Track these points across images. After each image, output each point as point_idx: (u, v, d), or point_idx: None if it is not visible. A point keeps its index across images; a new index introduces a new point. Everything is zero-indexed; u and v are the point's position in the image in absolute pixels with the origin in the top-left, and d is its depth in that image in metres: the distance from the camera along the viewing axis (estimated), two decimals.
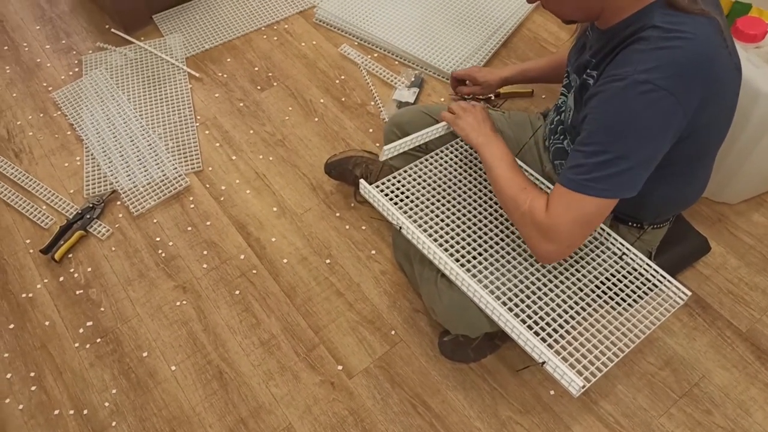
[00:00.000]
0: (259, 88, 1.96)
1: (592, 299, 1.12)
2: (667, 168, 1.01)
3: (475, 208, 1.24)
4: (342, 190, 1.69)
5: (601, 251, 1.18)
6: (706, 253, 1.50)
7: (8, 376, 1.40)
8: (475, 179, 1.30)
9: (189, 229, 1.63)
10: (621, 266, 1.17)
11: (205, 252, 1.58)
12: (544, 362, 1.00)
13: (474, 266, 1.14)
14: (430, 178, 1.29)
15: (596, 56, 1.04)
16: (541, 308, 1.09)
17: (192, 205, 1.68)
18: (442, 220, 1.21)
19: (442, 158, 1.33)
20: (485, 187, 1.28)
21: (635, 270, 1.16)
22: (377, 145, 1.78)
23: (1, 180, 1.75)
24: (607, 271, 1.16)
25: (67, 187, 1.73)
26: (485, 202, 1.25)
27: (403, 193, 1.26)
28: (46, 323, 1.48)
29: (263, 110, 1.90)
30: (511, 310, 1.07)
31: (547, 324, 1.07)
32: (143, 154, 1.76)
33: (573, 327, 1.08)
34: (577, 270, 1.15)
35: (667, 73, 0.89)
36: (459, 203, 1.25)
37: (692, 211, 1.57)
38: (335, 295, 1.50)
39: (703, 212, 1.60)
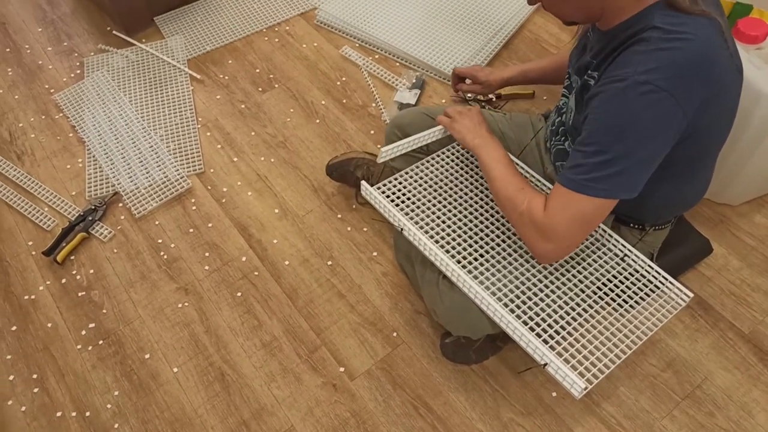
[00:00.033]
0: (260, 89, 1.96)
1: (594, 301, 1.12)
2: (668, 169, 1.01)
3: (476, 210, 1.24)
4: (343, 191, 1.69)
5: (603, 253, 1.18)
6: (708, 255, 1.50)
7: (11, 378, 1.40)
8: (477, 180, 1.29)
9: (191, 230, 1.63)
10: (623, 268, 1.17)
11: (206, 254, 1.59)
12: (546, 364, 1.00)
13: (476, 268, 1.14)
14: (431, 179, 1.29)
15: (597, 57, 1.04)
16: (542, 310, 1.09)
17: (194, 207, 1.68)
18: (444, 222, 1.21)
19: (443, 160, 1.33)
20: (486, 189, 1.28)
21: (637, 271, 1.16)
22: (378, 146, 1.78)
23: (4, 182, 1.75)
24: (609, 272, 1.16)
25: (69, 189, 1.73)
26: (487, 204, 1.25)
27: (404, 194, 1.26)
28: (49, 325, 1.48)
29: (264, 112, 1.90)
30: (512, 311, 1.07)
31: (549, 326, 1.07)
32: (145, 156, 1.76)
33: (575, 329, 1.08)
34: (578, 271, 1.15)
35: (667, 74, 0.90)
36: (460, 204, 1.25)
37: (694, 213, 1.57)
38: (337, 296, 1.50)
39: (705, 213, 1.59)
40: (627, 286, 1.13)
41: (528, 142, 1.37)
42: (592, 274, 1.15)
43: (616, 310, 1.11)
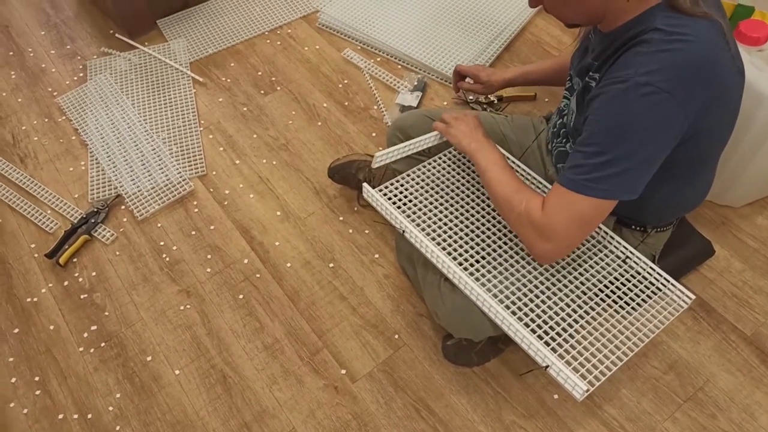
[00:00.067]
0: (262, 92, 1.96)
1: (596, 303, 1.11)
2: (669, 171, 1.01)
3: (478, 212, 1.24)
4: (345, 194, 1.69)
5: (605, 255, 1.18)
6: (710, 257, 1.50)
7: (13, 380, 1.41)
8: (479, 183, 1.29)
9: (193, 233, 1.63)
10: (624, 270, 1.16)
11: (208, 256, 1.59)
12: (547, 366, 1.00)
13: (477, 270, 1.14)
14: (433, 181, 1.29)
15: (598, 59, 1.04)
16: (544, 312, 1.09)
17: (196, 210, 1.68)
18: (446, 224, 1.21)
19: (445, 162, 1.33)
20: None
21: (639, 273, 1.16)
22: (380, 148, 1.77)
23: (7, 185, 1.76)
24: (611, 274, 1.15)
25: (72, 192, 1.74)
26: (488, 206, 1.25)
27: (406, 196, 1.26)
28: (51, 327, 1.48)
29: (267, 114, 1.90)
30: (514, 313, 1.07)
31: (551, 328, 1.07)
32: (147, 159, 1.77)
33: (576, 331, 1.08)
34: (580, 273, 1.15)
35: (668, 75, 0.90)
36: (462, 207, 1.25)
37: (696, 215, 1.57)
38: (338, 299, 1.50)
39: (707, 215, 1.59)
40: (629, 288, 1.13)
41: (530, 145, 1.37)
42: (593, 276, 1.15)
43: (617, 312, 1.11)
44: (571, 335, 1.07)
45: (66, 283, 1.56)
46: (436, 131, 1.30)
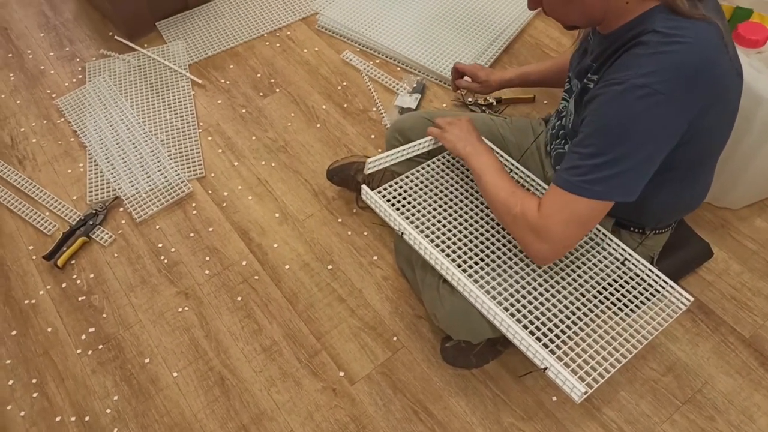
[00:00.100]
0: (261, 94, 1.96)
1: (594, 305, 1.11)
2: (667, 173, 1.01)
3: (477, 214, 1.24)
4: (344, 196, 1.69)
5: (603, 257, 1.18)
6: (708, 259, 1.50)
7: (10, 382, 1.40)
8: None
9: (191, 235, 1.63)
10: (623, 272, 1.16)
11: (207, 258, 1.59)
12: (546, 368, 1.00)
13: (476, 272, 1.14)
14: (432, 183, 1.29)
15: (597, 60, 1.04)
16: (543, 314, 1.09)
17: (194, 212, 1.68)
18: (444, 226, 1.21)
19: (443, 164, 1.33)
20: None
21: (637, 275, 1.16)
22: (379, 151, 1.78)
23: (5, 186, 1.76)
24: (609, 276, 1.15)
25: (70, 194, 1.74)
26: (487, 207, 1.25)
27: (405, 198, 1.26)
28: (49, 330, 1.48)
29: (265, 116, 1.90)
30: (513, 315, 1.07)
31: (549, 330, 1.06)
32: (146, 161, 1.77)
33: (575, 333, 1.07)
34: (579, 275, 1.15)
35: (665, 77, 0.90)
36: (461, 208, 1.25)
37: (695, 217, 1.57)
38: (337, 301, 1.49)
39: (706, 217, 1.59)
40: (627, 290, 1.13)
41: (529, 146, 1.37)
42: (592, 278, 1.15)
43: (616, 314, 1.11)
44: (569, 337, 1.07)
45: (64, 285, 1.55)
46: (429, 136, 1.30)
